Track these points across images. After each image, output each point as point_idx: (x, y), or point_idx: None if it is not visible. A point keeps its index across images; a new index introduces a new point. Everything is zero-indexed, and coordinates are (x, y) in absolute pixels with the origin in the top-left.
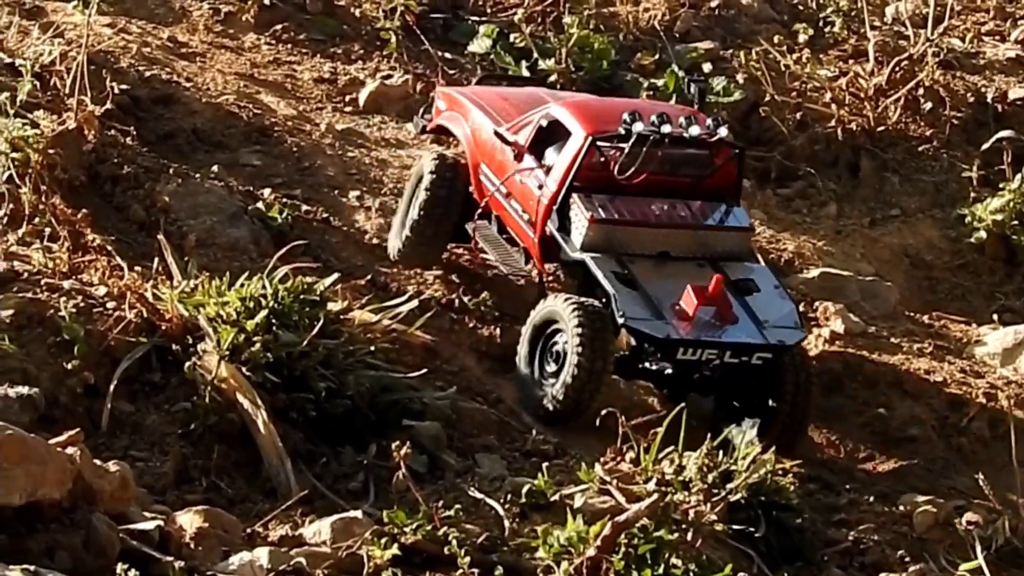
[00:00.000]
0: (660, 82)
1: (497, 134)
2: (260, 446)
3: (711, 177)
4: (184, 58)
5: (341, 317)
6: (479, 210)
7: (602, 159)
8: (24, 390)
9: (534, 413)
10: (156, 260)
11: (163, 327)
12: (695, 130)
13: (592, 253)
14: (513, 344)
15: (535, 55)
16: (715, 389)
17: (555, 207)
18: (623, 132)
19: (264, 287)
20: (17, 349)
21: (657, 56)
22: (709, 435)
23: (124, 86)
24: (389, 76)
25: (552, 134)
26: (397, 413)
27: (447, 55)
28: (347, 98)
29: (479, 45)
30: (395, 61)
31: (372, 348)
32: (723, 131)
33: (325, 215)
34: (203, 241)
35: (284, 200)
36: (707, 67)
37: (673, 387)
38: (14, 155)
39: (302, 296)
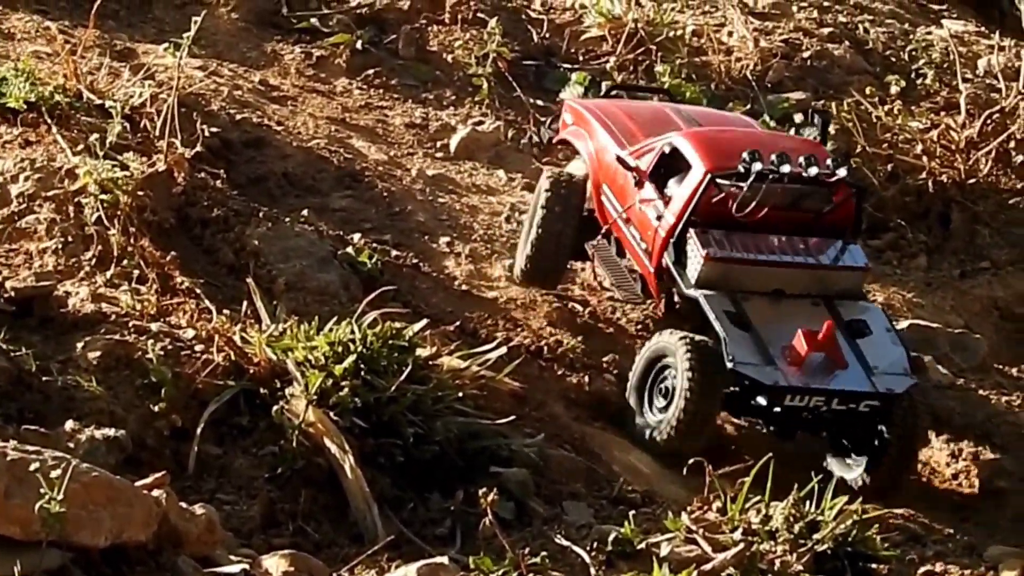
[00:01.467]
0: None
1: (619, 159)
2: (347, 491)
3: (829, 214)
4: (275, 102)
5: (430, 363)
6: (601, 232)
7: (721, 195)
8: (111, 432)
9: (642, 444)
10: (245, 304)
11: (251, 371)
12: (814, 170)
13: (706, 290)
14: (601, 392)
15: None
16: (824, 428)
17: (672, 240)
18: (742, 171)
19: (353, 332)
20: (105, 391)
21: (749, 106)
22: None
23: (215, 129)
24: (481, 122)
25: (674, 162)
26: (485, 459)
27: (539, 102)
28: (438, 144)
29: (571, 92)
30: (487, 107)
31: (460, 394)
32: (843, 171)
33: (415, 260)
34: (292, 285)
35: (374, 245)
36: (798, 118)
37: (781, 425)
38: (103, 197)
39: (391, 341)
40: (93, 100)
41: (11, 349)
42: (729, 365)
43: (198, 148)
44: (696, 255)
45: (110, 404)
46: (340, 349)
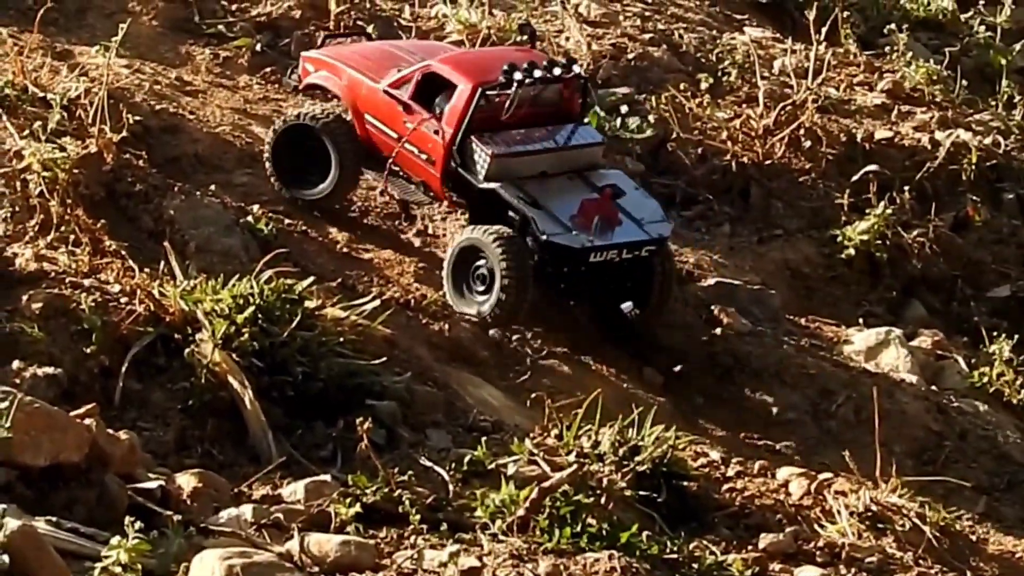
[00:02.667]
0: (585, 120)
1: (386, 91)
2: (246, 420)
3: (562, 104)
4: (188, 95)
5: (316, 313)
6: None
7: (485, 104)
8: (50, 370)
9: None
10: (162, 263)
11: (167, 319)
12: (557, 71)
13: (494, 182)
14: (458, 338)
15: None
16: (600, 286)
17: (453, 148)
18: (504, 80)
19: (252, 287)
20: (45, 336)
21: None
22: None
23: (138, 117)
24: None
25: (430, 86)
26: (361, 394)
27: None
28: None
29: None
30: None
31: (341, 339)
32: (577, 68)
33: (304, 228)
34: (202, 248)
35: (270, 215)
36: (624, 109)
37: (568, 288)
38: (45, 174)
39: (283, 295)
40: (37, 93)
41: None
42: (543, 238)
43: (124, 133)
44: (482, 155)
45: (49, 347)
46: (241, 301)
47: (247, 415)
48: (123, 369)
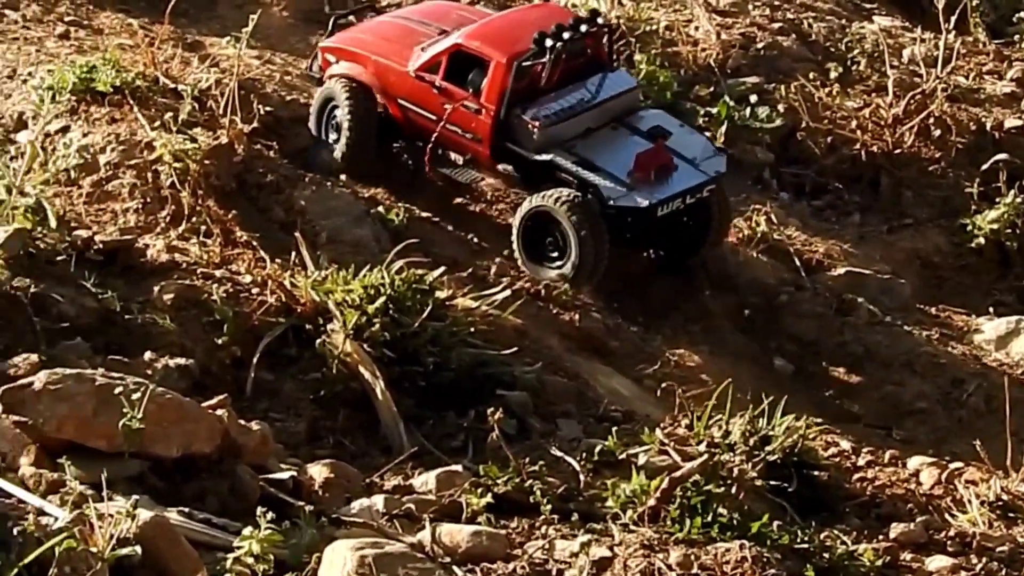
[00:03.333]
0: (714, 110)
1: (417, 76)
2: (378, 410)
3: (590, 54)
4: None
5: (447, 303)
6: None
7: (523, 74)
8: (181, 361)
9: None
10: (293, 254)
11: (298, 310)
12: (584, 27)
13: (545, 151)
14: (589, 328)
15: None
16: (666, 232)
17: (499, 122)
18: (537, 48)
19: (383, 277)
20: (176, 327)
21: (712, 89)
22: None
23: (268, 108)
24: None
25: (462, 63)
26: (492, 384)
27: None
28: None
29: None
30: None
31: (472, 329)
32: (600, 20)
33: (435, 218)
34: (333, 238)
35: (400, 205)
36: (753, 98)
37: (637, 240)
38: (176, 165)
39: (414, 285)
40: (168, 84)
41: (99, 292)
42: (610, 204)
43: (254, 124)
44: (529, 126)
45: (181, 338)
46: (372, 292)
47: (378, 405)
48: (255, 360)
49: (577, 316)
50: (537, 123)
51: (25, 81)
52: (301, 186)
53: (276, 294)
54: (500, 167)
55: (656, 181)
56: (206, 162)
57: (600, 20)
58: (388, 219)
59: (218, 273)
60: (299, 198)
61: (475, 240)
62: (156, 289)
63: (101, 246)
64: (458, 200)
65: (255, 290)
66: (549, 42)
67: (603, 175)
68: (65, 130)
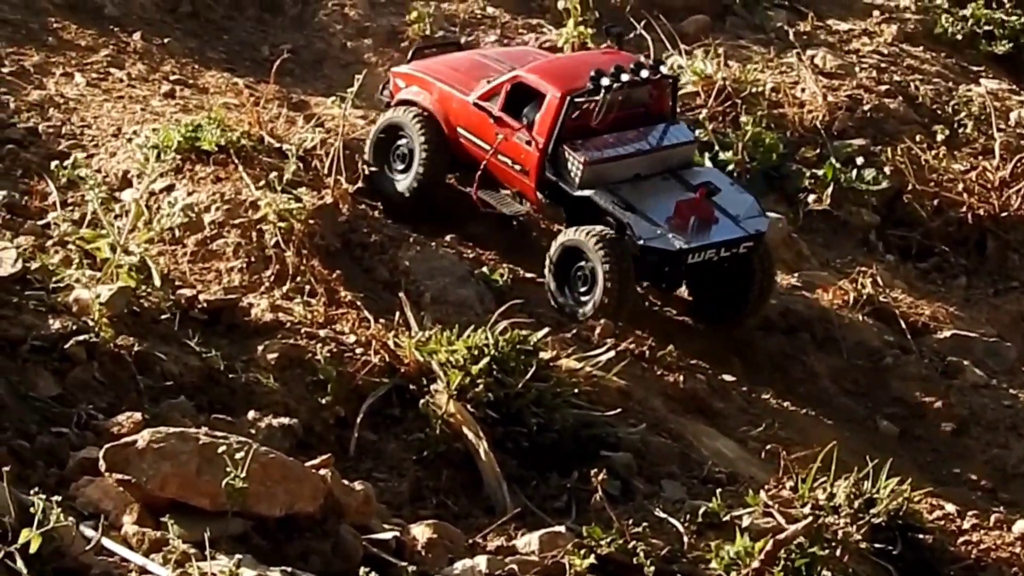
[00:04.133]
0: (820, 172)
1: (476, 104)
2: (481, 471)
3: (652, 105)
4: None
5: (550, 364)
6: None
7: (575, 111)
8: (285, 420)
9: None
10: (397, 314)
11: (402, 370)
12: (645, 73)
13: (588, 189)
14: (693, 389)
15: (716, 147)
16: (700, 279)
17: (546, 156)
18: (592, 87)
19: (487, 338)
20: (280, 386)
21: (818, 151)
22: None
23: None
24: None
25: (520, 96)
26: (595, 445)
27: None
28: None
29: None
30: None
31: (576, 390)
32: (664, 69)
33: (539, 278)
34: (437, 298)
35: (505, 265)
36: (859, 160)
37: (668, 284)
38: (281, 224)
39: (518, 346)
40: (273, 144)
41: (203, 351)
42: (640, 243)
43: (359, 184)
44: (575, 164)
45: (285, 397)
46: (476, 352)
47: (482, 466)
48: (358, 419)
49: (681, 377)
50: (583, 160)
51: (130, 140)
52: (405, 246)
53: (380, 354)
54: (542, 201)
55: (693, 230)
56: (311, 222)
57: (663, 70)
58: (492, 279)
59: (322, 333)
60: (403, 258)
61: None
62: (260, 348)
63: (205, 305)
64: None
65: (359, 350)
66: (605, 81)
67: (640, 216)
68: (170, 189)
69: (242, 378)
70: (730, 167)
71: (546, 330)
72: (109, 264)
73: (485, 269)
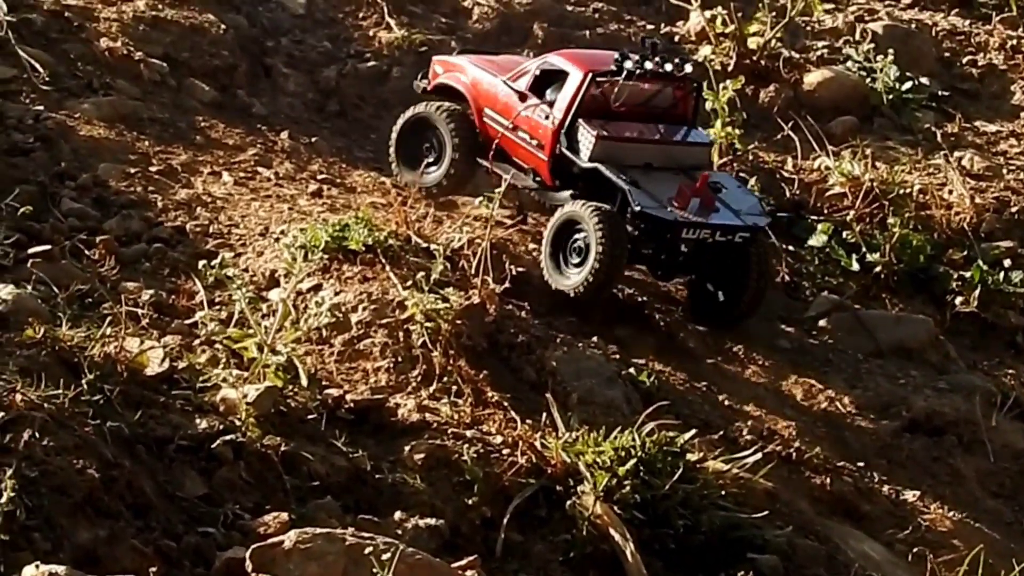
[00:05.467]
0: (967, 274)
1: (504, 83)
2: (627, 572)
3: (675, 106)
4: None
5: (697, 465)
6: (494, 144)
7: (598, 91)
8: (432, 521)
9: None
10: (544, 415)
11: (549, 471)
12: (668, 67)
13: (598, 164)
14: (840, 491)
15: (863, 249)
16: (695, 268)
17: (563, 131)
18: (616, 68)
19: (634, 439)
20: (427, 487)
21: (965, 253)
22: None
23: (520, 268)
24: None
25: (547, 79)
26: (742, 547)
27: (789, 248)
28: None
29: (817, 240)
30: None
31: (722, 492)
32: (688, 68)
33: (686, 378)
34: (584, 399)
35: (652, 366)
36: (1007, 263)
37: (667, 267)
38: (428, 324)
39: (665, 448)
40: (420, 243)
41: (350, 451)
42: (636, 209)
43: (506, 284)
44: (588, 137)
45: (431, 498)
46: (623, 453)
47: (628, 568)
48: (505, 520)
49: (828, 479)
50: (595, 134)
51: (277, 239)
52: (553, 347)
53: (527, 455)
54: (554, 180)
55: (692, 210)
56: (458, 322)
57: (687, 68)
58: (639, 380)
59: (469, 433)
60: (551, 359)
61: (726, 402)
62: (407, 448)
63: (352, 405)
64: (710, 361)
65: (506, 450)
66: (628, 64)
67: (640, 190)
68: (317, 288)
69: (389, 478)
70: (877, 269)
71: (693, 431)
72: (256, 364)
73: (632, 370)
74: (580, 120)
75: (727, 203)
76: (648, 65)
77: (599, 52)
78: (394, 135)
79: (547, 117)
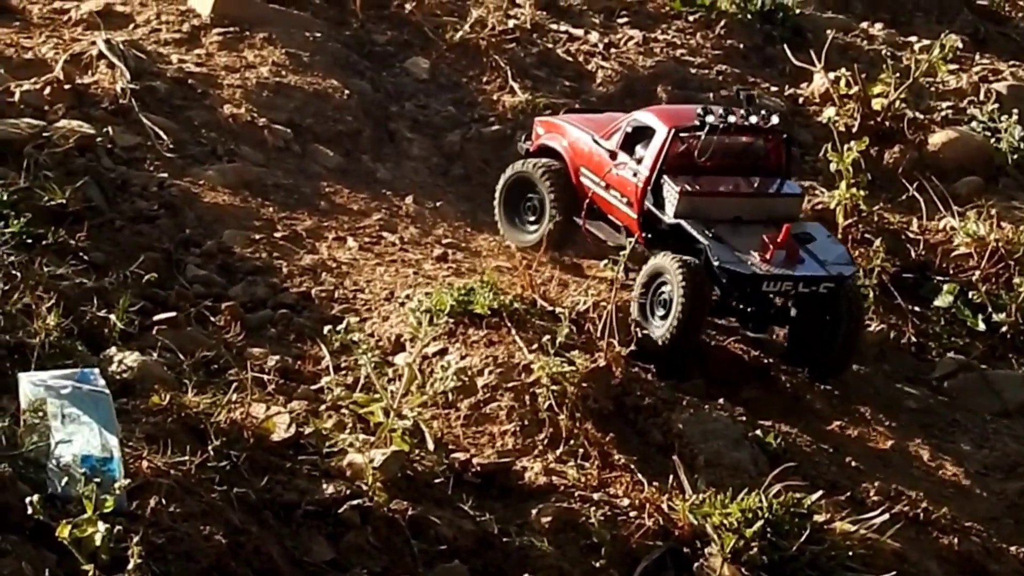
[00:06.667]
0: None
1: (595, 141)
2: None
3: (767, 158)
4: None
5: (825, 527)
6: (586, 202)
7: (683, 148)
8: None
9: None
10: (671, 477)
11: (676, 533)
12: (753, 119)
13: (683, 219)
14: (969, 551)
15: (989, 309)
16: (786, 320)
17: (649, 187)
18: (699, 123)
19: (761, 501)
20: (554, 550)
21: None
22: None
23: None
24: (868, 326)
25: (637, 136)
26: None
27: (915, 308)
28: None
29: (943, 300)
30: (873, 313)
31: (850, 553)
32: (775, 119)
33: (811, 440)
34: (710, 461)
35: (779, 428)
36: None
37: (755, 321)
38: (554, 387)
39: (792, 509)
40: (545, 307)
41: (477, 515)
42: (716, 264)
43: (632, 347)
44: (672, 193)
45: (559, 561)
46: (750, 515)
47: None
48: None
49: (956, 539)
50: (679, 189)
51: (403, 304)
52: (679, 409)
53: (654, 517)
54: (643, 235)
55: (774, 262)
56: (584, 385)
57: (774, 120)
58: (766, 442)
59: (596, 496)
60: (677, 421)
61: (853, 463)
62: (534, 512)
63: (479, 469)
64: (837, 423)
65: (633, 513)
66: (710, 118)
67: (721, 244)
68: (443, 353)
69: (516, 542)
70: (1003, 329)
71: (820, 492)
72: (383, 428)
73: (759, 432)
74: (665, 176)
75: (813, 253)
76: (732, 119)
77: (687, 107)
78: (497, 195)
79: (635, 174)
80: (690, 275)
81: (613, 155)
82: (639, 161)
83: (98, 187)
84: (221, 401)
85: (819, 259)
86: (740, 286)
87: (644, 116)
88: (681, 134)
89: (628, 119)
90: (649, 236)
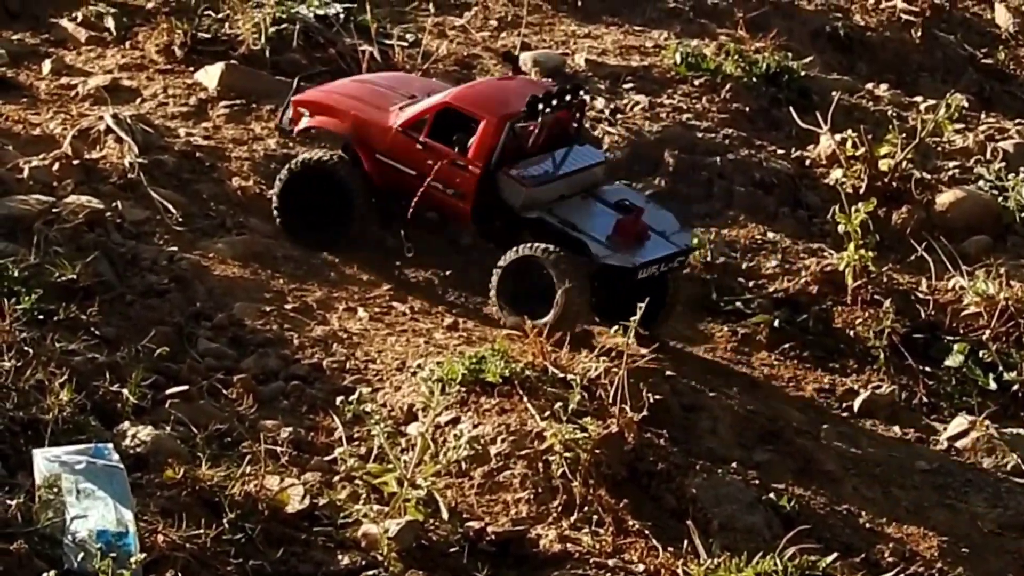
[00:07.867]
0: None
1: (400, 130)
2: None
3: (567, 127)
4: (708, 372)
5: None
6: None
7: (511, 135)
8: None
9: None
10: (686, 542)
11: None
12: (569, 97)
13: (531, 212)
14: None
15: (1000, 368)
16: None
17: (485, 180)
18: (528, 111)
19: (776, 564)
20: None
21: None
22: None
23: (658, 396)
24: (879, 387)
25: (448, 121)
26: None
27: (926, 368)
28: (844, 405)
29: (953, 360)
30: (883, 374)
31: None
32: (583, 92)
33: (826, 503)
34: (724, 526)
35: (791, 490)
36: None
37: (609, 300)
38: (567, 454)
39: (807, 572)
40: (557, 374)
41: None
42: (600, 262)
43: (644, 412)
44: (516, 188)
45: None
46: None
47: None
48: None
49: None
50: (524, 184)
51: (414, 373)
52: (692, 474)
53: None
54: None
55: (635, 247)
56: (597, 451)
57: (583, 92)
58: (780, 505)
59: (611, 562)
60: (690, 486)
61: (867, 525)
62: None
63: (494, 537)
64: (852, 485)
65: None
66: (541, 106)
67: (590, 237)
68: (455, 422)
69: None
70: (1015, 388)
71: (835, 555)
72: (397, 498)
73: (772, 495)
74: (501, 169)
75: (651, 227)
76: (555, 102)
77: (490, 86)
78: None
79: (463, 167)
80: (571, 269)
81: (426, 146)
82: (463, 150)
83: (108, 262)
84: (235, 474)
85: (659, 231)
86: (619, 280)
87: (461, 104)
88: (516, 125)
89: (431, 105)
90: (483, 226)
